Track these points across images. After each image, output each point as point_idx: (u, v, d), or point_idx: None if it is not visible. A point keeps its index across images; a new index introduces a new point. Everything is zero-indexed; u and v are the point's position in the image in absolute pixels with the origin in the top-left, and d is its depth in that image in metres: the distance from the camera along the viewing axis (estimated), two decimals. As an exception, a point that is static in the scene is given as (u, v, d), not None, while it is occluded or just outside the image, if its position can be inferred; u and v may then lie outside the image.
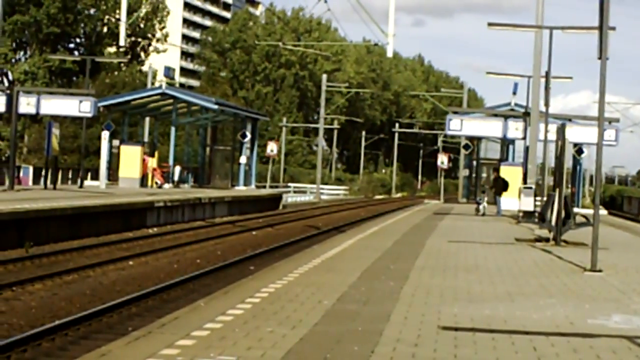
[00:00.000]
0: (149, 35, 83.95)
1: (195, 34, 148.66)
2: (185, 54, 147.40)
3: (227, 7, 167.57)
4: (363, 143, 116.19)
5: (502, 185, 39.45)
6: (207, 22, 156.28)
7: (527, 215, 32.98)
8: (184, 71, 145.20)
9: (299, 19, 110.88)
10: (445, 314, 11.38)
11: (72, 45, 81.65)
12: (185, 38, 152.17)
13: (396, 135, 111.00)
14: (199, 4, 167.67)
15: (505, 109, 48.19)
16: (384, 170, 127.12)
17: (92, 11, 79.70)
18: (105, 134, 47.27)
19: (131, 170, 46.41)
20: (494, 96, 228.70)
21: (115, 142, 49.43)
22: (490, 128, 42.75)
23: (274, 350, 8.76)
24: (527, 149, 38.57)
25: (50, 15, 74.84)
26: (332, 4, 42.96)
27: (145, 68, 79.68)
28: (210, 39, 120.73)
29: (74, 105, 40.96)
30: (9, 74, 54.44)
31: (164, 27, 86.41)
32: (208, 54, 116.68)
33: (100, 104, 46.45)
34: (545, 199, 28.46)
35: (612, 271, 17.27)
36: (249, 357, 8.43)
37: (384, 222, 33.05)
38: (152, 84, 65.04)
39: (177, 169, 52.87)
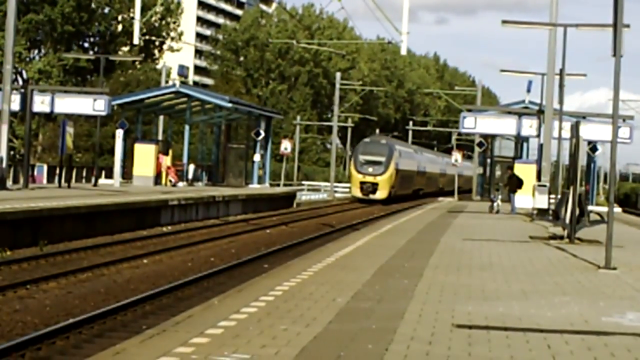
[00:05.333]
0: (163, 34, 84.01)
1: (210, 32, 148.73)
2: (199, 53, 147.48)
3: (241, 5, 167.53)
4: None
5: (516, 183, 39.38)
6: (221, 21, 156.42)
7: (541, 213, 32.90)
8: (198, 69, 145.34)
9: (312, 16, 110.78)
10: (459, 312, 11.38)
11: (86, 44, 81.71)
12: (200, 36, 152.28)
13: (410, 133, 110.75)
14: (213, 2, 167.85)
15: (519, 106, 48.12)
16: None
17: (106, 10, 79.74)
18: (119, 133, 47.36)
19: (145, 168, 46.50)
20: (509, 94, 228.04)
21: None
22: (504, 126, 42.77)
23: (288, 348, 8.77)
24: (541, 147, 38.44)
25: (65, 14, 74.95)
26: (346, 3, 42.98)
27: (159, 66, 79.72)
28: (221, 37, 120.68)
29: (88, 104, 41.06)
30: (23, 72, 54.68)
31: (178, 26, 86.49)
32: (222, 52, 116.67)
33: (114, 103, 46.54)
34: (559, 196, 28.40)
35: (626, 269, 17.24)
36: (263, 355, 8.44)
37: (398, 219, 33.05)
38: (166, 82, 65.15)
39: (191, 167, 52.96)
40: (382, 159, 63.75)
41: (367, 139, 72.04)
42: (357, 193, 64.29)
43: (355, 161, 65.56)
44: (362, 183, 63.56)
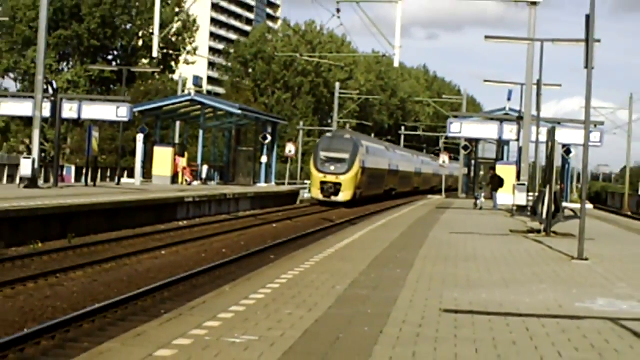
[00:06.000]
0: (180, 48, 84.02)
1: (222, 47, 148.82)
2: (212, 65, 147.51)
3: (250, 22, 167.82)
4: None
5: (498, 182, 39.43)
6: (232, 36, 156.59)
7: (521, 209, 32.90)
8: (211, 80, 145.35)
9: (314, 32, 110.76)
10: (446, 298, 11.38)
11: (110, 57, 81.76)
12: (213, 50, 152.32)
13: (402, 137, 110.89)
14: (225, 19, 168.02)
15: (500, 113, 48.09)
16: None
17: (128, 26, 79.82)
18: (139, 137, 47.42)
19: (163, 169, 46.51)
20: (491, 102, 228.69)
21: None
22: (487, 131, 42.77)
23: (292, 330, 8.77)
24: (520, 150, 38.45)
25: (91, 30, 75.02)
26: (344, 19, 43.04)
27: (176, 77, 79.78)
28: (232, 51, 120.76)
29: (111, 111, 41.03)
30: (54, 82, 54.43)
31: (193, 41, 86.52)
32: (232, 64, 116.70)
33: (135, 110, 46.50)
34: (537, 194, 28.39)
35: (597, 260, 17.24)
36: (270, 337, 8.44)
37: (392, 215, 33.05)
38: (182, 91, 65.19)
39: (205, 167, 53.02)
40: (346, 155, 50.99)
41: (329, 134, 58.21)
42: (317, 195, 51.39)
43: (315, 158, 52.38)
44: (322, 183, 50.91)
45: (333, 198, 50.02)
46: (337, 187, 50.24)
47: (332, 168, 50.46)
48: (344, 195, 50.45)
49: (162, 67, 79.39)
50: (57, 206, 25.07)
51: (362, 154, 52.73)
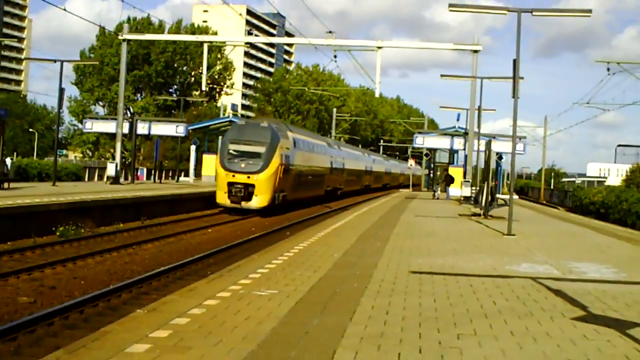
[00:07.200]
0: (221, 84, 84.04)
1: (251, 82, 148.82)
2: (245, 95, 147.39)
3: (272, 64, 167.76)
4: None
5: (450, 180, 39.44)
6: (259, 75, 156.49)
7: (466, 199, 32.92)
8: (244, 106, 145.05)
9: (318, 72, 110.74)
10: (413, 263, 11.38)
11: (171, 90, 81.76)
12: (245, 85, 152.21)
13: (381, 147, 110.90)
14: (254, 63, 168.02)
15: (452, 130, 48.02)
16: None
17: (184, 68, 79.86)
18: (193, 147, 47.56)
19: (209, 170, 46.41)
20: (445, 122, 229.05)
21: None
22: (442, 142, 42.88)
23: (302, 286, 8.78)
24: (465, 156, 38.42)
25: (157, 70, 75.09)
26: (340, 63, 43.12)
27: (219, 104, 79.82)
28: (259, 85, 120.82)
29: (172, 129, 41.09)
30: (131, 108, 54.22)
31: (231, 78, 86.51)
32: (259, 95, 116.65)
33: (189, 128, 46.46)
34: (478, 188, 28.37)
35: (521, 235, 17.24)
36: (286, 290, 8.45)
37: (373, 203, 33.01)
38: (223, 114, 65.04)
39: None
40: (261, 149, 29.73)
41: (240, 120, 35.99)
42: (224, 200, 29.52)
43: (221, 152, 30.67)
44: (230, 185, 29.46)
45: (244, 204, 28.94)
46: (248, 190, 29.00)
47: (243, 165, 29.30)
48: (258, 201, 29.01)
49: (208, 97, 79.42)
50: (133, 197, 25.09)
51: (284, 147, 30.87)
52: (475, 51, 33.79)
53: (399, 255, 12.40)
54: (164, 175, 51.71)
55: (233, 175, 29.18)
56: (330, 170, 43.16)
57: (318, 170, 39.39)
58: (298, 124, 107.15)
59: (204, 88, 44.47)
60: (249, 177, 29.02)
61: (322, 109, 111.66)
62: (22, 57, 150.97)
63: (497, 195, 33.03)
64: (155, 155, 43.50)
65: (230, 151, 29.92)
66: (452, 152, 50.75)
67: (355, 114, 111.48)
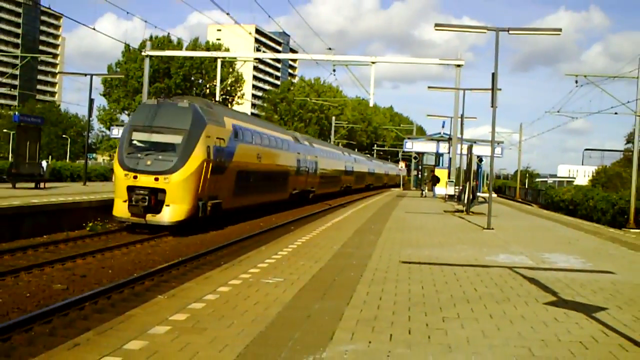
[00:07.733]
0: (233, 95, 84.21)
1: (260, 93, 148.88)
2: (254, 105, 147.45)
3: (277, 77, 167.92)
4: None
5: (436, 180, 39.40)
6: (266, 87, 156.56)
7: (451, 197, 32.87)
8: (253, 115, 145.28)
9: (319, 84, 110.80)
10: (403, 254, 11.37)
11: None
12: (254, 96, 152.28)
13: (375, 151, 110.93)
14: (261, 76, 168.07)
15: (438, 136, 48.01)
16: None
17: (200, 81, 79.99)
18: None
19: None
20: (431, 129, 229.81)
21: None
22: (429, 147, 42.94)
23: (305, 275, 8.78)
24: (450, 159, 38.40)
25: (176, 83, 75.23)
26: (338, 76, 43.03)
27: (230, 113, 79.93)
28: (266, 96, 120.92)
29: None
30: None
31: (241, 90, 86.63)
32: (266, 105, 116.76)
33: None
34: (461, 187, 28.35)
35: (499, 229, 17.23)
36: (290, 278, 8.45)
37: (368, 201, 32.98)
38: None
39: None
40: (177, 139, 17.45)
41: (150, 100, 19.12)
42: (122, 211, 17.30)
43: (120, 145, 18.00)
44: (130, 190, 17.19)
45: (149, 218, 17.54)
46: (157, 197, 17.50)
47: (149, 162, 17.53)
48: (171, 212, 17.57)
49: (222, 107, 79.32)
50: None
51: (214, 137, 19.09)
52: (459, 65, 33.75)
53: (390, 247, 12.39)
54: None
55: (135, 177, 17.43)
56: (296, 169, 31.97)
57: (277, 169, 28.10)
58: (301, 131, 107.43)
59: (217, 98, 44.24)
60: (157, 179, 17.33)
61: (322, 117, 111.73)
62: (57, 71, 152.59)
63: (478, 194, 33.06)
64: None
65: (133, 142, 17.96)
66: (438, 155, 50.67)
67: (352, 121, 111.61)
